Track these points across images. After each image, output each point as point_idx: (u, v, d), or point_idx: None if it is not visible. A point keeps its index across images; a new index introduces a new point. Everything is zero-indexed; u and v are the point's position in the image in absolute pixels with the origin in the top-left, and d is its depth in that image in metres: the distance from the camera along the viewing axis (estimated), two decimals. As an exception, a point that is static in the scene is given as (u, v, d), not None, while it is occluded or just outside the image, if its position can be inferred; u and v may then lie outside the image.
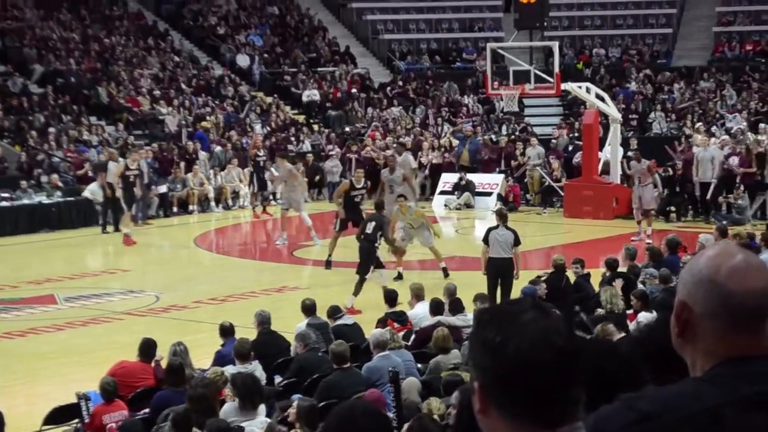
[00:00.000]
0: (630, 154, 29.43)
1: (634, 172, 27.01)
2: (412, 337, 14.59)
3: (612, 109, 31.63)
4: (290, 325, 14.89)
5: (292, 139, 38.70)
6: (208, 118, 39.41)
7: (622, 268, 17.47)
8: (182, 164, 33.99)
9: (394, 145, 33.67)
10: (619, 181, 30.63)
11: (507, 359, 2.42)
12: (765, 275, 2.65)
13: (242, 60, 45.54)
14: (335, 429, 4.39)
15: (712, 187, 28.86)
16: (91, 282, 23.30)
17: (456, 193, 33.71)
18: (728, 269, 2.62)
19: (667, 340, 2.74)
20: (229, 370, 11.98)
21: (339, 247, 23.55)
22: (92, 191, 30.76)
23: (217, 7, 49.21)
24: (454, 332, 13.37)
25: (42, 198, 30.73)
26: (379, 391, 11.26)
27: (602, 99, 31.33)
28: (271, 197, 32.56)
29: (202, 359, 13.71)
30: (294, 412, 9.57)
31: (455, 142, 36.50)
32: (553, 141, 35.52)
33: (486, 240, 18.57)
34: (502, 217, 19.08)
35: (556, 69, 31.24)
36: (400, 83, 44.98)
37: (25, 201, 30.38)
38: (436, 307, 15.01)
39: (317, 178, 35.76)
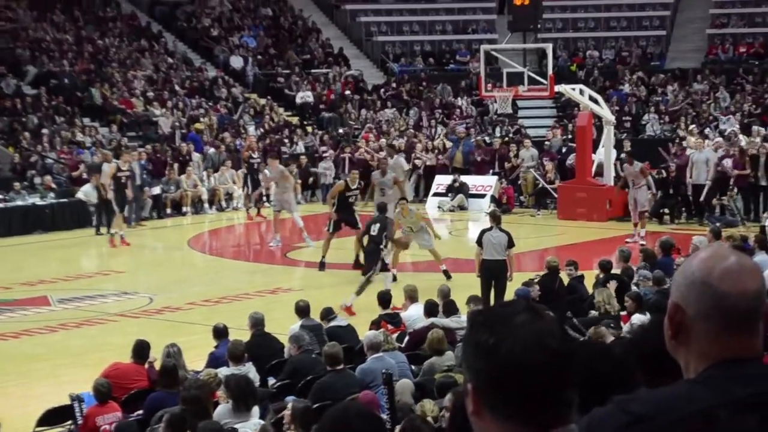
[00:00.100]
0: (622, 156, 29.49)
1: (627, 175, 27.04)
2: (406, 338, 14.60)
3: (605, 111, 31.66)
4: (284, 327, 14.88)
5: (286, 140, 38.68)
6: (201, 119, 39.41)
7: (616, 270, 17.48)
8: (176, 166, 33.96)
9: (387, 147, 33.67)
10: (612, 183, 30.66)
11: (500, 361, 2.43)
12: (758, 277, 2.66)
13: (236, 61, 45.52)
14: (329, 431, 4.39)
15: (705, 189, 28.88)
16: (85, 283, 23.27)
17: (449, 195, 33.71)
18: (721, 271, 2.63)
19: (660, 343, 2.74)
20: (223, 371, 11.97)
21: (332, 248, 23.55)
22: (86, 192, 30.74)
23: (211, 8, 49.18)
24: (448, 334, 13.36)
25: (35, 199, 30.71)
26: (373, 392, 11.26)
27: (596, 101, 31.35)
28: (264, 199, 32.51)
29: (195, 361, 13.69)
30: (289, 414, 9.57)
31: (449, 144, 36.53)
32: (547, 143, 35.53)
33: (479, 242, 18.58)
34: (495, 218, 19.10)
35: (550, 71, 31.24)
36: (394, 85, 45.00)
37: (19, 202, 30.35)
38: (430, 309, 15.01)
39: (311, 180, 35.78)
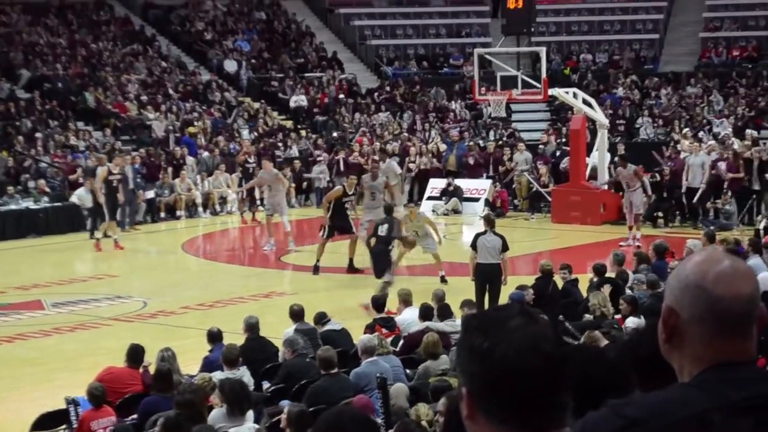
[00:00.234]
0: (616, 160, 29.53)
1: (621, 178, 27.07)
2: (401, 342, 14.60)
3: (599, 115, 31.69)
4: (278, 331, 14.86)
5: (280, 144, 38.66)
6: (195, 123, 39.36)
7: (610, 274, 17.49)
8: (170, 170, 33.95)
9: (379, 152, 33.65)
10: (606, 187, 30.69)
11: (494, 365, 2.43)
12: (752, 281, 2.66)
13: (229, 65, 45.51)
14: (323, 435, 4.39)
15: (699, 192, 28.91)
16: (79, 287, 23.24)
17: (444, 198, 33.71)
18: (715, 275, 2.63)
19: (655, 346, 2.75)
20: (217, 375, 11.96)
21: (326, 252, 23.56)
22: (79, 196, 30.69)
23: (205, 12, 49.14)
24: (442, 338, 13.36)
25: (29, 203, 30.66)
26: (368, 396, 11.25)
27: (589, 104, 31.38)
28: (258, 202, 32.48)
29: (189, 365, 13.67)
30: (285, 418, 9.57)
31: (443, 147, 36.54)
32: (541, 146, 35.55)
33: (474, 245, 18.59)
34: (489, 222, 19.10)
35: (544, 74, 31.24)
36: (388, 89, 44.97)
37: (12, 206, 30.31)
38: (425, 313, 15.01)
39: (305, 184, 35.77)
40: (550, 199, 31.87)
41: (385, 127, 40.61)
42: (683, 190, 29.40)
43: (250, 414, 10.71)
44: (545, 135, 36.94)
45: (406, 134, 39.17)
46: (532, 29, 34.74)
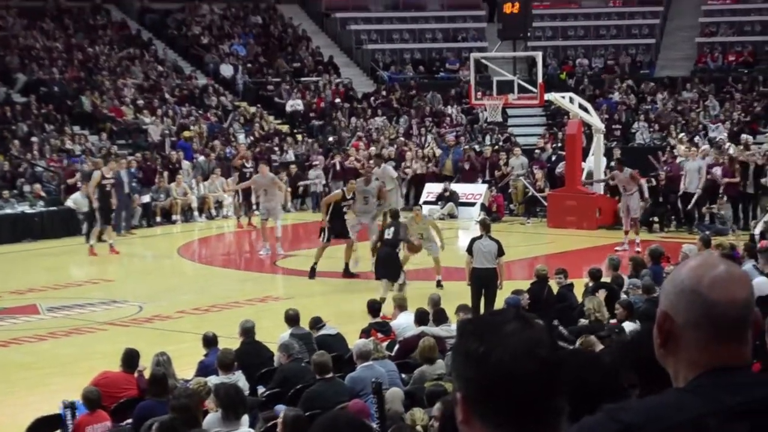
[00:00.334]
0: (612, 164, 29.54)
1: (618, 182, 27.06)
2: (396, 347, 14.59)
3: (595, 119, 31.70)
4: (273, 335, 14.84)
5: (276, 149, 38.66)
6: (191, 127, 39.36)
7: (606, 279, 17.49)
8: (165, 174, 33.93)
9: (374, 157, 33.62)
10: (602, 191, 30.70)
11: (490, 370, 2.43)
12: (747, 285, 2.66)
13: (226, 70, 45.51)
14: (318, 439, 4.38)
15: (695, 197, 28.92)
16: (74, 292, 23.22)
17: (440, 203, 33.69)
18: (710, 280, 2.63)
19: (650, 351, 2.74)
20: (212, 380, 11.94)
21: (323, 257, 23.54)
22: (75, 201, 30.68)
23: (201, 16, 49.14)
24: (438, 343, 13.35)
25: (25, 207, 30.65)
26: (363, 401, 11.24)
27: (585, 109, 31.40)
28: (254, 207, 32.45)
29: (185, 369, 13.66)
30: (280, 422, 9.56)
31: (438, 152, 36.55)
32: (537, 151, 35.56)
33: (470, 250, 18.58)
34: (485, 227, 19.11)
35: (540, 79, 31.25)
36: (384, 93, 45.01)
37: (8, 211, 30.29)
38: (420, 318, 15.01)
39: (301, 188, 35.76)
40: (545, 203, 31.86)
41: (381, 132, 40.65)
42: (680, 194, 29.39)
43: (245, 419, 10.69)
44: (541, 140, 36.96)
45: (402, 139, 39.18)
46: (528, 34, 34.78)
